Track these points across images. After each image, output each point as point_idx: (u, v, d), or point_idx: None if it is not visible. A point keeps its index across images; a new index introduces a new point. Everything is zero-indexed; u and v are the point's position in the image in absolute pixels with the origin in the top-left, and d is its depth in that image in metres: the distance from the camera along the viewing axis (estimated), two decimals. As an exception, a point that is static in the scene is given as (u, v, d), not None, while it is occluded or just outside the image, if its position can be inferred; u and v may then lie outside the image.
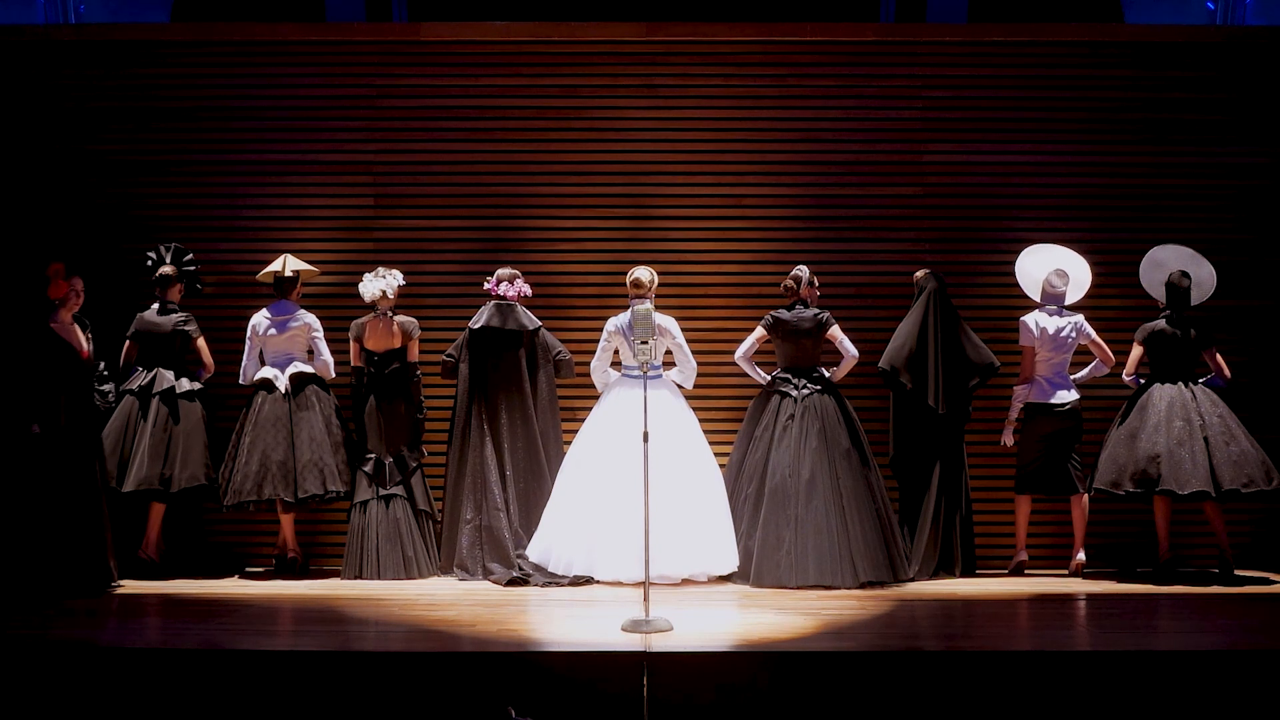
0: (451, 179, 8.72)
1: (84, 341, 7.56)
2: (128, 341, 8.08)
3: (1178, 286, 7.99)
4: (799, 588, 7.35)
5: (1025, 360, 8.04)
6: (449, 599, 7.12)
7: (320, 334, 8.12)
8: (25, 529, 7.20)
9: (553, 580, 7.51)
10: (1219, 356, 7.99)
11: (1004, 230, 8.62)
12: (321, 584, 7.76)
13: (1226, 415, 7.79)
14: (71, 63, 8.70)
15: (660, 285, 7.98)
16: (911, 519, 7.90)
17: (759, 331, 7.92)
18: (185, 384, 7.98)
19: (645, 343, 6.47)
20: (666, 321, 7.85)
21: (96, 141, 8.68)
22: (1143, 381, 8.00)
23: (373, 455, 7.94)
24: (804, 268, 7.95)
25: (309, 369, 8.06)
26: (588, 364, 8.02)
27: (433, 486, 8.10)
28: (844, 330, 7.90)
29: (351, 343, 8.06)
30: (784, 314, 7.86)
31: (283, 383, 7.98)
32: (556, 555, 7.58)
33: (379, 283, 7.98)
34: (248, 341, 8.10)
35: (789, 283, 7.92)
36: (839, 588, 7.34)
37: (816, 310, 7.86)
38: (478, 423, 7.89)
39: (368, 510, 7.87)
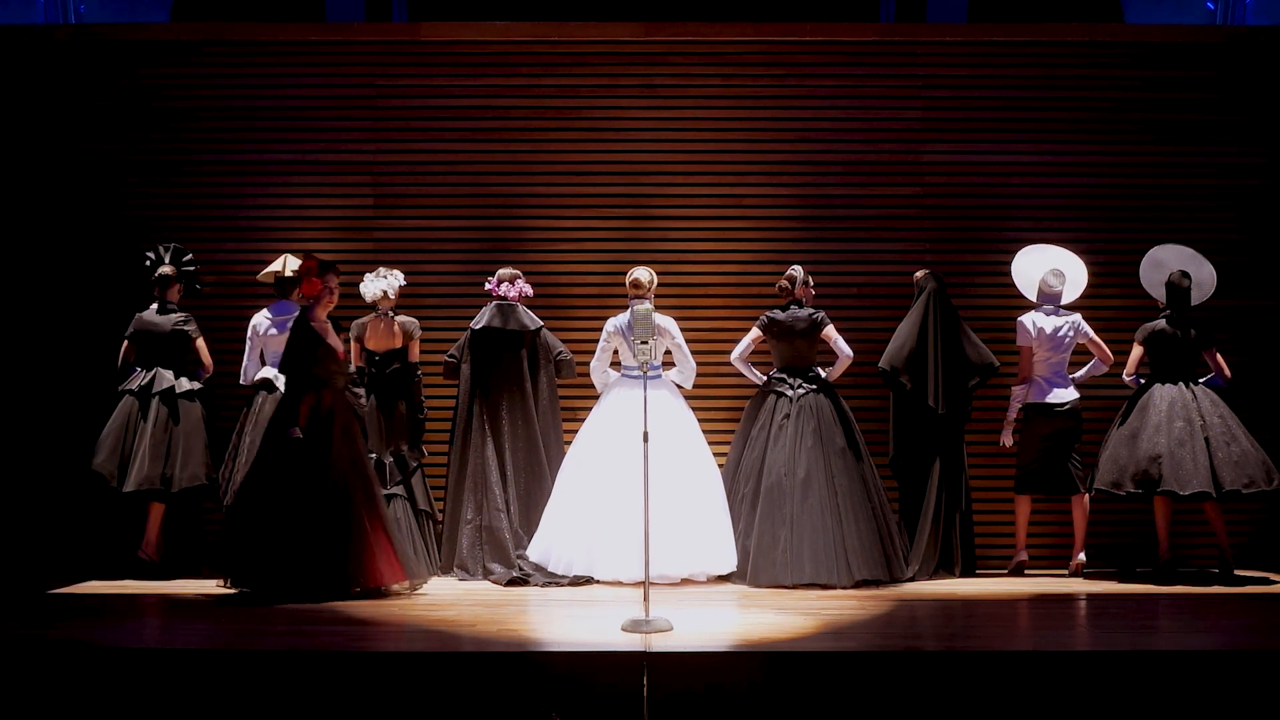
0: (451, 179, 8.72)
1: (340, 341, 7.37)
2: (126, 342, 8.07)
3: (1178, 286, 7.99)
4: (795, 586, 7.36)
5: (1023, 360, 8.04)
6: (449, 599, 7.12)
7: (320, 334, 8.13)
8: (278, 532, 6.98)
9: (553, 580, 7.51)
10: (1219, 357, 7.99)
11: (1004, 230, 8.62)
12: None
13: (1227, 415, 7.79)
14: (71, 63, 8.70)
15: (660, 285, 7.98)
16: (911, 519, 7.90)
17: (754, 332, 7.92)
18: (185, 384, 7.98)
19: (645, 343, 6.46)
20: (666, 322, 7.85)
21: (96, 141, 8.69)
22: (1143, 381, 8.00)
23: (373, 455, 7.93)
24: (798, 268, 7.96)
25: (309, 369, 8.06)
26: (588, 364, 8.02)
27: (433, 486, 8.10)
28: (843, 330, 7.91)
29: (352, 343, 8.06)
30: (779, 314, 7.86)
31: (283, 383, 7.98)
32: (556, 555, 7.58)
33: (380, 283, 7.98)
34: (248, 341, 8.10)
35: (783, 283, 7.92)
36: (835, 586, 7.35)
37: (811, 310, 7.86)
38: (479, 423, 7.89)
39: (368, 510, 7.88)
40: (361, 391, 7.75)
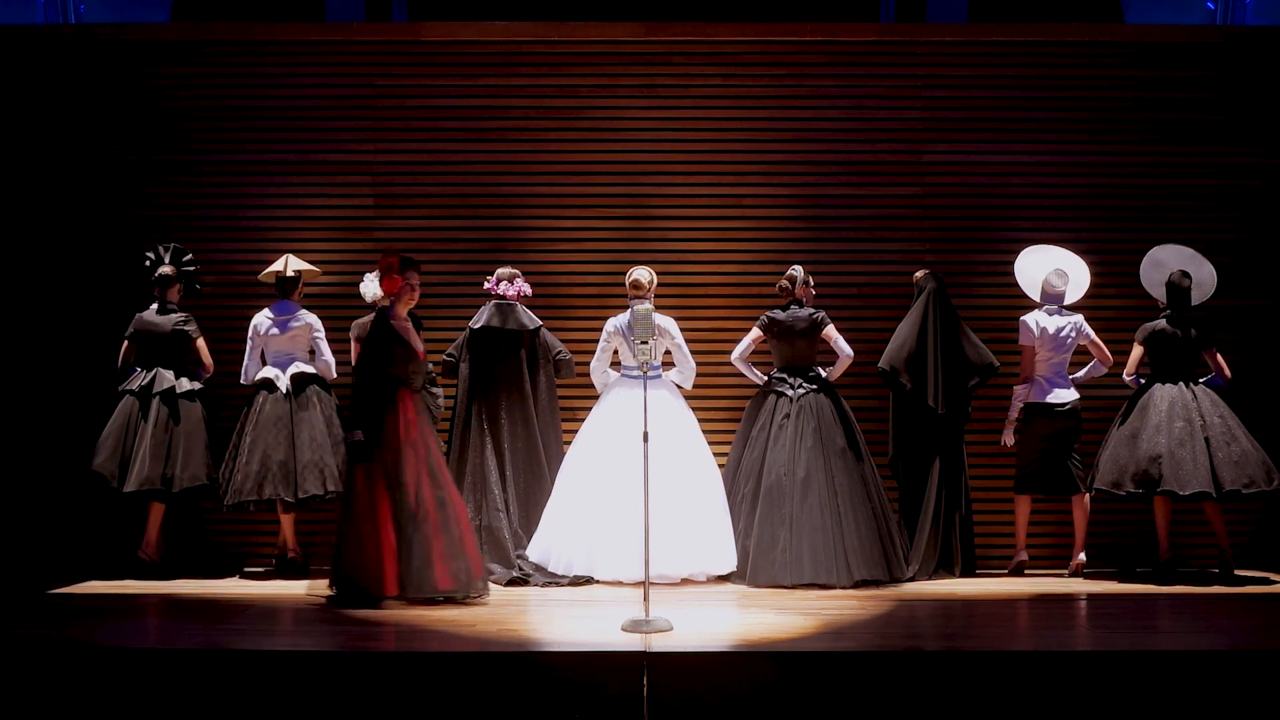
0: (451, 179, 8.72)
1: (419, 340, 7.10)
2: (126, 342, 8.07)
3: (1178, 286, 7.99)
4: (794, 586, 7.36)
5: (1025, 360, 8.04)
6: (449, 599, 7.12)
7: (322, 334, 8.13)
8: (358, 535, 6.81)
9: (553, 580, 7.51)
10: (1219, 356, 7.99)
11: (1004, 230, 8.62)
12: (321, 584, 7.75)
13: (1227, 415, 7.79)
14: (71, 63, 8.70)
15: (659, 285, 7.98)
16: (911, 519, 7.90)
17: (755, 332, 7.92)
18: (185, 384, 7.98)
19: (645, 343, 6.46)
20: (666, 322, 7.84)
21: (96, 142, 8.68)
22: (1143, 381, 8.00)
23: (373, 455, 7.94)
24: (799, 267, 7.96)
25: (310, 369, 8.06)
26: (587, 364, 8.02)
27: (433, 486, 8.09)
28: (844, 330, 7.91)
29: (352, 343, 8.06)
30: (779, 314, 7.86)
31: (284, 382, 7.98)
32: (556, 555, 7.58)
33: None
34: (249, 341, 8.10)
35: (784, 283, 7.92)
36: (834, 586, 7.35)
37: (811, 310, 7.86)
38: (478, 423, 7.88)
39: (368, 510, 7.87)
40: (439, 392, 7.54)
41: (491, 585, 7.53)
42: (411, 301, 7.08)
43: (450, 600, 6.83)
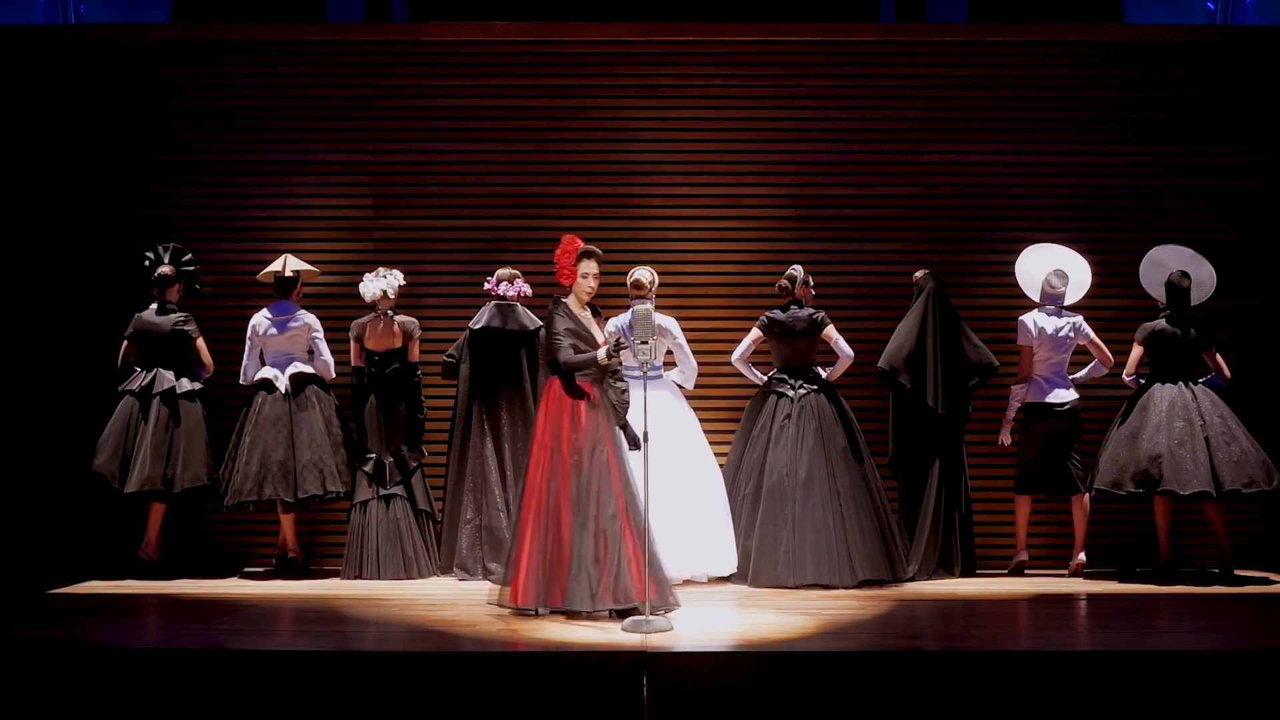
0: (451, 179, 8.72)
1: (599, 330, 6.80)
2: (126, 342, 8.07)
3: (1178, 286, 7.99)
4: (796, 587, 7.36)
5: (1024, 359, 8.04)
6: (449, 599, 7.12)
7: (321, 334, 8.13)
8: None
9: (553, 580, 7.50)
10: (1219, 356, 7.99)
11: (1004, 230, 8.62)
12: (321, 584, 7.77)
13: (1227, 415, 7.79)
14: (71, 63, 8.70)
15: (660, 285, 7.97)
16: (911, 519, 7.90)
17: (754, 333, 7.91)
18: (185, 384, 7.98)
19: (646, 343, 6.46)
20: (666, 322, 7.84)
21: (96, 142, 8.68)
22: (1143, 381, 8.00)
23: (373, 455, 7.94)
24: (798, 267, 7.95)
25: (309, 369, 8.06)
26: (588, 364, 8.01)
27: (433, 486, 8.10)
28: (843, 330, 7.90)
29: (352, 343, 8.07)
30: (779, 314, 7.86)
31: (283, 383, 7.98)
32: (556, 555, 7.57)
33: (379, 283, 7.98)
34: (248, 341, 8.10)
35: (783, 283, 7.92)
36: (837, 586, 7.35)
37: (811, 310, 7.86)
38: (478, 423, 7.88)
39: (368, 510, 7.87)
40: (625, 386, 6.83)
41: (491, 585, 7.51)
42: (589, 292, 6.77)
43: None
